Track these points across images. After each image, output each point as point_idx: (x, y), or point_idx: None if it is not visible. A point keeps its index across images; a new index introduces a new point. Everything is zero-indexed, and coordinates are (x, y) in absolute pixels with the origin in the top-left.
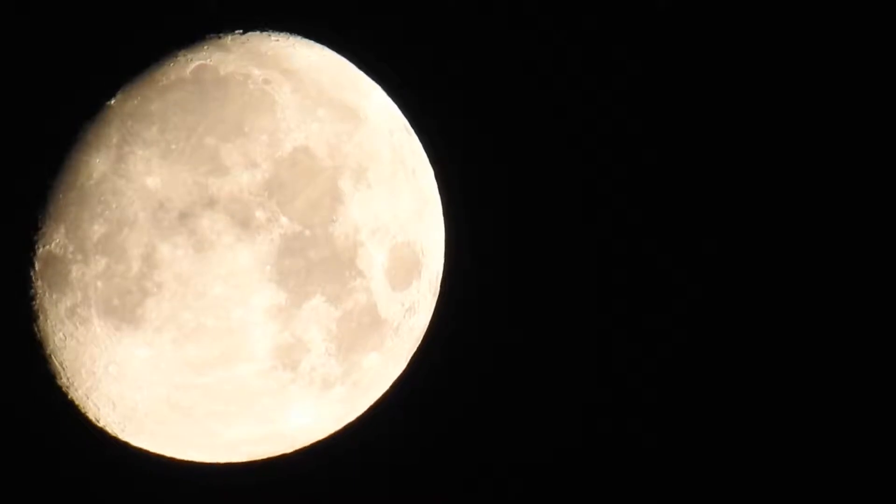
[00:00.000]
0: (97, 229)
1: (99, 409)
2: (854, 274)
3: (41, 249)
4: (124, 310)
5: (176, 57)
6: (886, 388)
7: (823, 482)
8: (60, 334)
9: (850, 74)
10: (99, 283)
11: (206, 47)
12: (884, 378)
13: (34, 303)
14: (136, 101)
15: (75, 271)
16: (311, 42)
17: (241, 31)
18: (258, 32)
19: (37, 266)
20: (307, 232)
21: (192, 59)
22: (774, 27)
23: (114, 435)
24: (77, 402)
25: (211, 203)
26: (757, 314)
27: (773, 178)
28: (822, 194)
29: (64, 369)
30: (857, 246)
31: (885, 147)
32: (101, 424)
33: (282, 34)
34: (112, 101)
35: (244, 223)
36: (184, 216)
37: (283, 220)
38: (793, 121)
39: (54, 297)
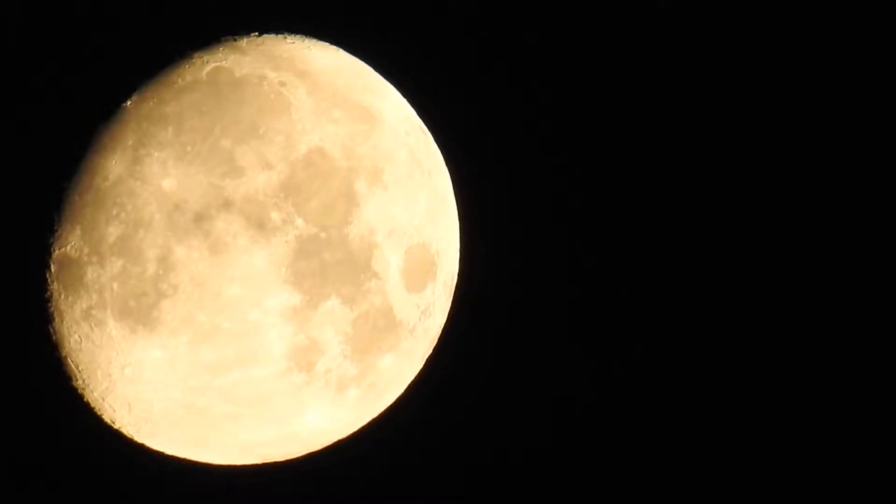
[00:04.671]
0: (113, 231)
1: (114, 411)
2: (851, 275)
3: (57, 251)
4: (140, 312)
5: (191, 59)
6: (883, 388)
7: (817, 481)
8: (76, 336)
9: (850, 75)
10: (114, 285)
11: (221, 49)
12: (880, 377)
13: (50, 305)
14: (151, 103)
15: (91, 273)
16: (327, 44)
17: (256, 33)
18: (273, 35)
19: (52, 268)
20: (322, 234)
21: (207, 61)
22: (774, 28)
23: (129, 437)
24: (92, 405)
25: (226, 205)
26: (768, 323)
27: (774, 179)
28: (821, 195)
29: (79, 371)
30: (854, 247)
31: (885, 147)
32: (116, 426)
33: (297, 36)
34: (128, 103)
35: (260, 225)
36: (199, 218)
37: (299, 221)
38: (792, 121)
39: (70, 299)
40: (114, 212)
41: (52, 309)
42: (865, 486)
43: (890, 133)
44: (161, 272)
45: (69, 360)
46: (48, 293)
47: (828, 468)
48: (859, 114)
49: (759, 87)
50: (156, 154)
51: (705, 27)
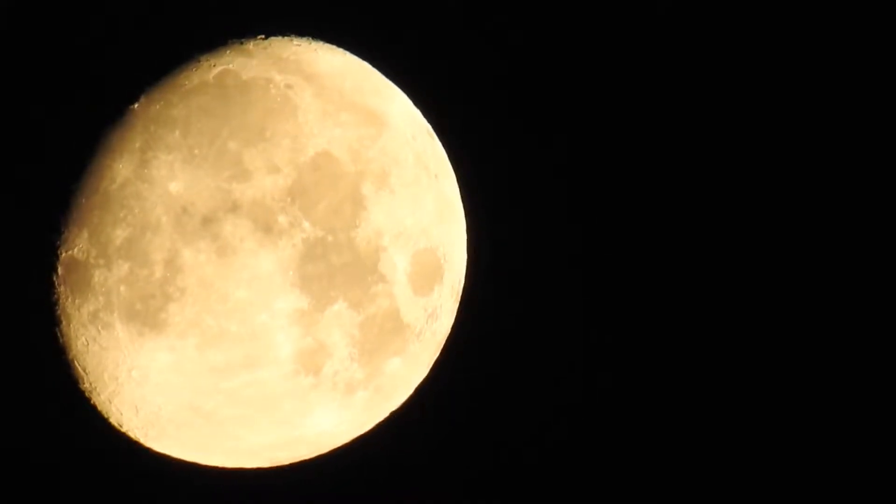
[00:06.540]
0: (120, 234)
1: (122, 414)
2: (850, 275)
3: (64, 254)
4: (147, 315)
5: (199, 62)
6: (883, 388)
7: (817, 481)
8: (83, 339)
9: (850, 76)
10: (122, 288)
11: (228, 52)
12: (876, 378)
13: (57, 308)
14: (158, 106)
15: (98, 276)
16: (334, 47)
17: (263, 35)
18: (280, 37)
19: (59, 271)
20: (329, 237)
21: (214, 64)
22: (774, 29)
23: (136, 440)
24: (100, 408)
25: (234, 208)
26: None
27: (774, 180)
28: (821, 196)
29: (86, 374)
30: (854, 248)
31: (885, 148)
32: (123, 430)
33: (304, 39)
34: (135, 106)
35: (267, 228)
36: (207, 221)
37: (306, 224)
38: (792, 123)
39: (77, 301)
40: (121, 214)
41: (59, 312)
42: (866, 485)
43: (890, 133)
44: (168, 275)
45: (76, 363)
46: (55, 296)
47: (828, 468)
48: (859, 114)
49: (759, 90)
50: (163, 157)
51: (709, 28)
